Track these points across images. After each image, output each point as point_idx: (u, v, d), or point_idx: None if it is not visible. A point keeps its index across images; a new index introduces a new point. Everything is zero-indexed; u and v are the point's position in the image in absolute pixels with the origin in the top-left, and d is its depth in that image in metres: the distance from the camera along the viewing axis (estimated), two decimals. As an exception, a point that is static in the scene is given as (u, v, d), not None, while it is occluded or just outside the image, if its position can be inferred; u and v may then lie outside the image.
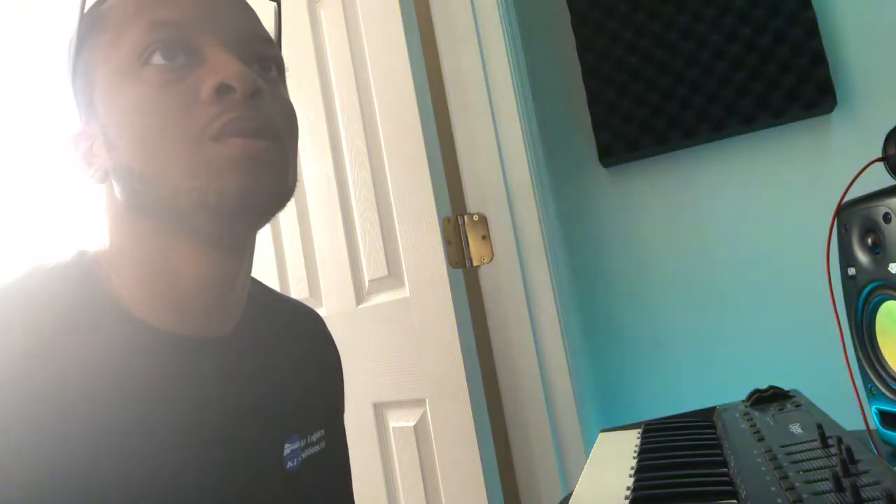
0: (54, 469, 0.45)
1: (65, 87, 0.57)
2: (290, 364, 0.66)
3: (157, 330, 0.54)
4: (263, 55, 0.57)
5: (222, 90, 0.51)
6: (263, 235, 1.51)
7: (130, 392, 0.50)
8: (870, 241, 0.75)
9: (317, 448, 0.65)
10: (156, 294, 0.54)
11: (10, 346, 0.47)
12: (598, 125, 1.34)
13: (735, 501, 0.48)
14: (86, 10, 0.55)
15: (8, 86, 1.93)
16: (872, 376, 0.77)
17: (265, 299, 0.69)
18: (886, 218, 0.72)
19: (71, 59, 0.55)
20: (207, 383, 0.56)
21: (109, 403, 0.49)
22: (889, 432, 0.76)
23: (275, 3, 0.65)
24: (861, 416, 0.77)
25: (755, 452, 0.54)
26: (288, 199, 0.56)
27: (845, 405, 0.76)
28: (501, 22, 1.29)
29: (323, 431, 0.67)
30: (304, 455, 0.63)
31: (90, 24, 0.55)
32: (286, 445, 0.61)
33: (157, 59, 0.51)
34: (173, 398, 0.53)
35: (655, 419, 0.76)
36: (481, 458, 1.12)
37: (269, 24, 0.62)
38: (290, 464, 0.61)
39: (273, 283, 1.48)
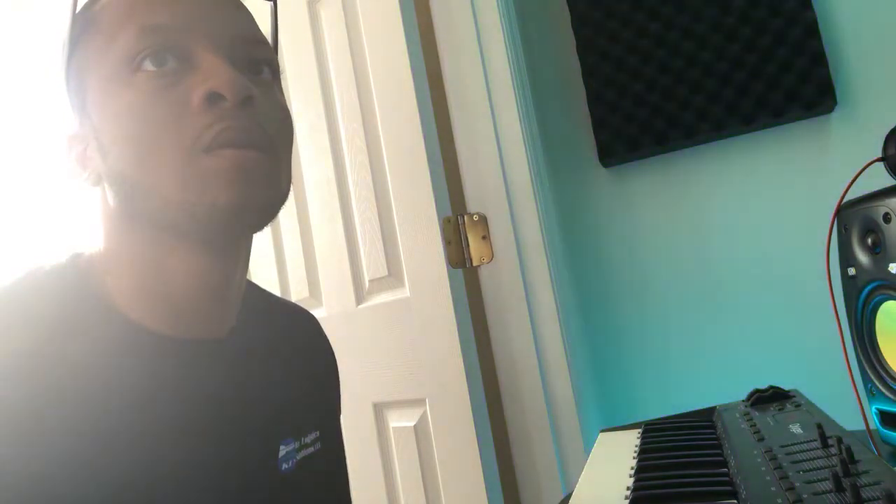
0: (50, 470, 0.45)
1: (59, 88, 0.57)
2: (285, 366, 0.66)
3: (152, 332, 0.54)
4: (256, 57, 0.56)
5: (213, 99, 0.50)
6: (263, 235, 1.50)
7: (125, 394, 0.50)
8: (870, 241, 0.75)
9: (312, 449, 0.65)
10: (150, 296, 0.54)
11: (7, 348, 0.47)
12: (598, 125, 1.34)
13: (735, 501, 0.48)
14: (77, 11, 0.55)
15: (7, 86, 1.93)
16: (872, 376, 0.77)
17: (260, 301, 0.69)
18: (886, 218, 0.72)
19: (64, 60, 0.55)
20: (202, 385, 0.56)
21: (104, 405, 0.49)
22: (889, 432, 0.76)
23: (271, 3, 0.65)
24: (861, 416, 0.77)
25: (755, 452, 0.54)
26: (281, 206, 0.56)
27: (845, 405, 0.76)
28: (501, 22, 1.29)
29: (318, 433, 0.67)
30: (298, 456, 0.63)
31: (82, 26, 0.54)
32: (281, 447, 0.61)
33: (148, 65, 0.51)
34: (168, 400, 0.53)
35: (655, 419, 0.76)
36: (481, 458, 1.12)
37: (265, 25, 0.61)
38: (285, 465, 0.61)
39: (273, 283, 1.48)
